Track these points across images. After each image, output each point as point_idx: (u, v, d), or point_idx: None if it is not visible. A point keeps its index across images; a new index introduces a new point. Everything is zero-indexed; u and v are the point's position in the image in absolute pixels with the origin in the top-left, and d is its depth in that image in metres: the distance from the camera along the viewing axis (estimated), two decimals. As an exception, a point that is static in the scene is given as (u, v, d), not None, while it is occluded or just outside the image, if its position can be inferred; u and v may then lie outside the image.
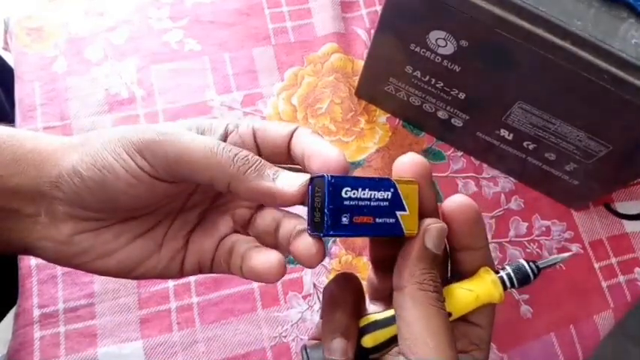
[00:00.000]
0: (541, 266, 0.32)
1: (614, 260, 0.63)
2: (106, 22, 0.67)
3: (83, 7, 0.67)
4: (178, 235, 0.34)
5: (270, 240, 0.33)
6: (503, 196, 0.64)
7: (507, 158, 0.61)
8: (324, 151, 0.30)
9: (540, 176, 0.61)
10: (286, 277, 0.57)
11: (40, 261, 0.55)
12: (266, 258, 0.31)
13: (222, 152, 0.28)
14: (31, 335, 0.53)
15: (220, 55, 0.67)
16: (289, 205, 0.29)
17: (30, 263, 0.55)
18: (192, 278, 0.56)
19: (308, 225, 0.29)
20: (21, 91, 0.62)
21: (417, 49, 0.52)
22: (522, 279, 0.32)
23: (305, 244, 0.29)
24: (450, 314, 0.31)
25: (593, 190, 0.60)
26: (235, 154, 0.28)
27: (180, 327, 0.55)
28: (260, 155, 0.31)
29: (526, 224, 0.63)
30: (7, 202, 0.30)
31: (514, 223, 0.63)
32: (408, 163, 0.31)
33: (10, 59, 0.68)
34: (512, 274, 0.32)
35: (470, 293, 0.31)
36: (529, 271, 0.32)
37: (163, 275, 0.33)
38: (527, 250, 0.61)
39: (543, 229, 0.63)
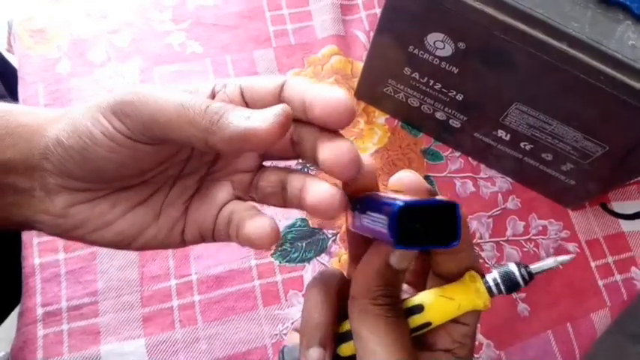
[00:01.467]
0: (534, 272, 0.30)
1: (610, 259, 0.64)
2: (109, 24, 0.67)
3: (86, 9, 0.68)
4: (176, 203, 0.32)
5: (278, 201, 0.32)
6: (500, 195, 0.65)
7: (504, 159, 0.62)
8: (324, 94, 0.27)
9: (537, 176, 0.62)
10: (287, 275, 0.58)
11: (43, 259, 0.56)
12: (259, 224, 0.29)
13: (194, 106, 0.26)
14: (34, 333, 0.54)
15: (222, 57, 0.67)
16: (271, 143, 0.26)
17: (34, 262, 0.56)
18: (194, 277, 0.57)
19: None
20: (25, 93, 0.63)
21: (416, 51, 0.53)
22: (512, 286, 0.29)
23: (321, 189, 0.28)
24: (429, 323, 0.29)
25: (590, 190, 0.60)
26: (207, 106, 0.26)
27: (182, 325, 0.55)
28: None
29: (523, 224, 0.64)
30: (3, 176, 0.30)
31: (511, 223, 0.63)
32: (405, 180, 0.28)
33: (13, 61, 0.69)
34: (499, 281, 0.29)
35: (452, 302, 0.29)
36: (519, 278, 0.29)
37: (165, 245, 0.32)
38: (525, 249, 0.62)
39: (540, 228, 0.64)
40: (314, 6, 0.72)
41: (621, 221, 0.66)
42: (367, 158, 0.28)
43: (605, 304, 0.62)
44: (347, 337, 0.30)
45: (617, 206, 0.66)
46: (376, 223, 0.25)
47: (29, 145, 0.29)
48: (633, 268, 0.64)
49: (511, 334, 0.59)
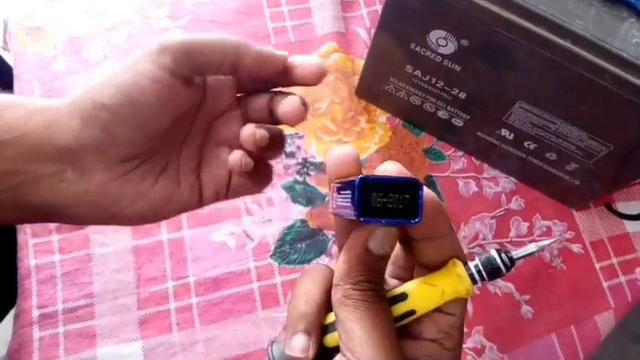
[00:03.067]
0: (515, 257, 0.29)
1: (615, 260, 0.63)
2: (106, 22, 0.66)
3: (82, 6, 0.67)
4: (189, 170, 0.36)
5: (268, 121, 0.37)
6: (504, 196, 0.64)
7: (508, 158, 0.61)
8: (299, 61, 0.34)
9: (541, 176, 0.61)
10: (286, 277, 0.57)
11: (39, 261, 0.55)
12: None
13: (230, 37, 0.32)
14: (30, 336, 0.53)
15: (220, 54, 0.66)
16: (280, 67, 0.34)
17: (29, 263, 0.55)
18: (191, 279, 0.56)
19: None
20: (20, 91, 0.62)
21: (418, 49, 0.52)
22: (493, 272, 0.29)
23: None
24: (413, 311, 0.29)
25: (594, 190, 0.60)
26: (242, 39, 0.32)
27: (179, 327, 0.55)
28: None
29: (527, 224, 0.63)
30: (21, 165, 0.30)
31: (515, 223, 0.63)
32: (388, 170, 0.29)
33: (9, 59, 0.68)
34: (481, 268, 0.29)
35: (434, 289, 0.29)
36: (500, 263, 0.29)
37: (185, 209, 0.36)
38: (528, 251, 0.61)
39: (544, 229, 0.63)
40: (314, 2, 0.71)
41: (626, 222, 0.65)
42: (347, 147, 0.30)
43: (609, 306, 0.61)
44: (332, 327, 0.30)
45: (622, 207, 0.66)
46: (346, 199, 0.26)
47: (54, 129, 0.30)
48: (638, 270, 0.63)
49: (515, 336, 0.58)
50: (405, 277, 0.34)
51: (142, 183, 0.33)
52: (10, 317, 0.60)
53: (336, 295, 0.28)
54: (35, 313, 0.54)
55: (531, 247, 0.30)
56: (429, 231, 0.29)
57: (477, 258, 0.30)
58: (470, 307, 0.58)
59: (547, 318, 0.59)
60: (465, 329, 0.57)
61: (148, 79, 0.30)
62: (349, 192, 0.25)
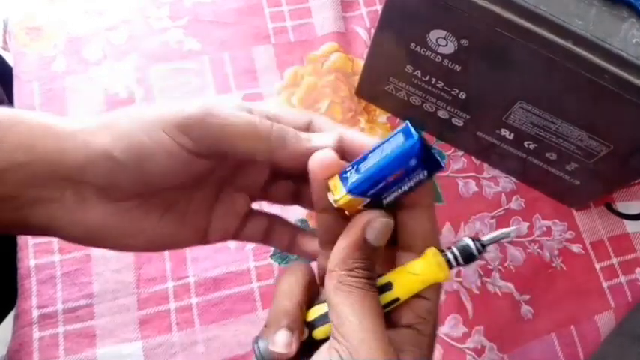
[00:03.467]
0: (485, 243, 0.32)
1: (615, 260, 0.63)
2: (106, 22, 0.66)
3: (82, 6, 0.67)
4: (200, 211, 0.35)
5: (289, 202, 0.37)
6: (503, 196, 0.64)
7: (508, 158, 0.61)
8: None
9: (541, 176, 0.61)
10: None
11: (39, 261, 0.55)
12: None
13: (261, 124, 0.30)
14: (30, 336, 0.53)
15: (220, 54, 0.66)
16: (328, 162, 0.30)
17: (29, 264, 0.55)
18: (191, 279, 0.56)
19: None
20: (20, 91, 0.62)
21: (418, 49, 0.52)
22: (467, 257, 0.31)
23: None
24: (397, 299, 0.31)
25: (594, 190, 0.60)
26: (271, 125, 0.30)
27: (179, 327, 0.55)
28: None
29: (527, 224, 0.63)
30: (23, 190, 0.29)
31: (515, 223, 0.63)
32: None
33: (9, 59, 0.68)
34: (457, 254, 0.31)
35: (416, 277, 0.31)
36: (473, 249, 0.32)
37: (186, 246, 0.35)
38: (528, 250, 0.61)
39: (544, 229, 0.63)
40: (314, 2, 0.71)
41: (626, 222, 0.65)
42: (327, 151, 0.30)
43: (609, 306, 0.61)
44: (320, 320, 0.32)
45: (622, 206, 0.66)
46: (386, 158, 0.28)
47: (60, 158, 0.29)
48: (638, 269, 0.63)
49: (515, 336, 0.58)
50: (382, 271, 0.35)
51: (144, 218, 0.32)
52: (10, 317, 0.60)
53: (332, 281, 0.29)
54: (35, 313, 0.54)
55: (497, 233, 0.32)
56: (416, 197, 0.31)
57: (453, 247, 0.32)
58: (470, 307, 0.58)
59: (547, 318, 0.59)
60: (465, 329, 0.58)
61: (164, 150, 0.29)
62: (395, 147, 0.28)
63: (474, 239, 0.32)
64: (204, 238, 0.36)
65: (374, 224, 0.29)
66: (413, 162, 0.28)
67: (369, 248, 0.29)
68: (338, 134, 0.31)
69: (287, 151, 0.30)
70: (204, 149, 0.30)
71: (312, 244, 0.36)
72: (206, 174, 0.33)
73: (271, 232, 0.38)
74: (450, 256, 0.31)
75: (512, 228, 0.34)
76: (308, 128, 0.33)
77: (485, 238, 0.32)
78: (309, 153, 0.30)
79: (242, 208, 0.36)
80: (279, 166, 0.32)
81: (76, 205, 0.30)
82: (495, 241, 0.33)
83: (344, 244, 0.30)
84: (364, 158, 0.29)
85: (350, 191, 0.29)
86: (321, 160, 0.30)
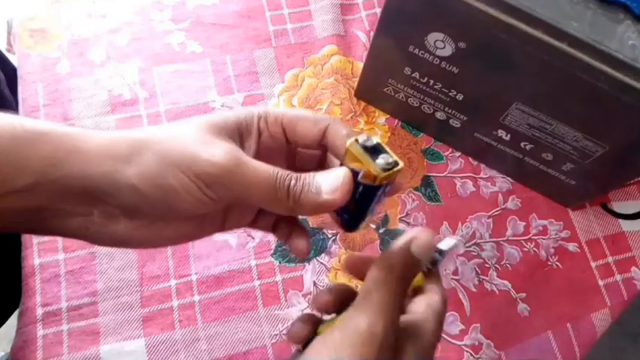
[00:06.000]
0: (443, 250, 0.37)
1: (610, 259, 0.64)
2: (109, 24, 0.67)
3: (86, 9, 0.68)
4: (218, 211, 0.36)
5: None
6: (500, 195, 0.65)
7: (505, 158, 0.62)
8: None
9: (537, 176, 0.62)
10: (287, 275, 0.58)
11: (43, 260, 0.56)
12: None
13: (280, 187, 0.31)
14: (34, 333, 0.54)
15: (222, 56, 0.67)
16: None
17: (33, 262, 0.56)
18: (193, 277, 0.57)
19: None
20: (24, 92, 0.63)
21: (416, 51, 0.53)
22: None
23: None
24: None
25: (590, 189, 0.61)
26: (288, 185, 0.31)
27: (182, 325, 0.55)
28: (291, 145, 0.36)
29: (523, 223, 0.64)
30: (54, 203, 0.30)
31: (511, 223, 0.63)
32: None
33: (14, 60, 0.69)
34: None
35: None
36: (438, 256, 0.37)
37: (204, 237, 0.37)
38: (525, 249, 0.62)
39: (540, 228, 0.64)
40: (314, 6, 0.72)
41: (621, 221, 0.66)
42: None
43: (605, 304, 0.62)
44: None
45: (618, 206, 0.66)
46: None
47: (86, 177, 0.30)
48: (633, 268, 0.64)
49: (511, 334, 0.59)
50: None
51: (166, 228, 0.33)
52: (14, 315, 0.61)
53: (373, 275, 0.32)
54: (39, 311, 0.54)
55: (446, 245, 0.37)
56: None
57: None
58: (467, 304, 0.59)
59: (543, 316, 0.60)
60: (463, 327, 0.58)
61: (189, 195, 0.30)
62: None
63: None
64: (221, 229, 0.37)
65: (419, 239, 0.33)
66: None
67: (411, 261, 0.32)
68: (341, 179, 0.32)
69: (303, 210, 0.32)
70: (227, 201, 0.32)
71: (300, 245, 0.37)
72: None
73: (277, 226, 0.39)
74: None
75: (454, 240, 0.37)
76: (323, 136, 0.35)
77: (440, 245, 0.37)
78: (319, 207, 0.32)
79: (256, 207, 0.38)
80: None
81: (102, 220, 0.31)
82: (447, 251, 0.37)
83: (390, 254, 0.33)
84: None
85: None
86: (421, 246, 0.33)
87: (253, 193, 0.31)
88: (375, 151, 0.31)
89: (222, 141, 0.32)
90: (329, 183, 0.32)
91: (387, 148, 0.32)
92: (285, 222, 0.39)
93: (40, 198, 0.29)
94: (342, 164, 0.33)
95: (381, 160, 0.31)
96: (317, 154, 0.38)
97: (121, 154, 0.30)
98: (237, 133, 0.33)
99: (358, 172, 0.31)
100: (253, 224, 0.39)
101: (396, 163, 0.31)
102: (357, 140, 0.32)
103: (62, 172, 0.29)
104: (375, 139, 0.32)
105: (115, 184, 0.30)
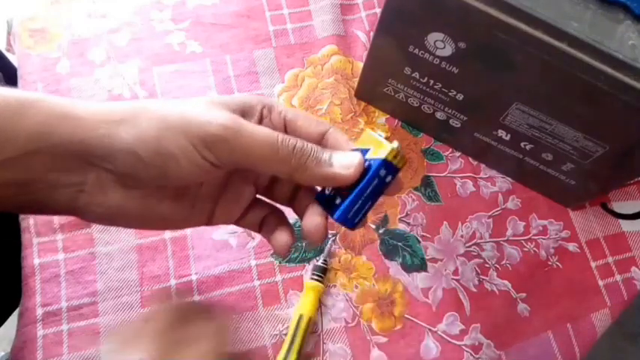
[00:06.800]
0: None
1: (610, 259, 0.64)
2: (109, 24, 0.67)
3: (86, 9, 0.68)
4: (207, 198, 0.36)
5: (286, 204, 0.39)
6: (500, 195, 0.65)
7: (505, 158, 0.62)
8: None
9: (537, 176, 0.62)
10: (287, 275, 0.58)
11: (43, 260, 0.56)
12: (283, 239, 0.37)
13: (282, 146, 0.31)
14: (34, 333, 0.54)
15: (222, 57, 0.67)
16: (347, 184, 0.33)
17: (33, 262, 0.56)
18: (193, 277, 0.57)
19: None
20: (24, 92, 0.63)
21: (416, 51, 0.53)
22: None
23: (313, 221, 0.35)
24: None
25: (590, 189, 0.60)
26: (293, 146, 0.31)
27: (182, 325, 0.55)
28: None
29: (523, 223, 0.64)
30: (43, 175, 0.29)
31: (511, 223, 0.63)
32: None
33: (14, 60, 0.69)
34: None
35: None
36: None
37: (192, 226, 0.37)
38: (525, 249, 0.62)
39: (540, 228, 0.64)
40: (314, 6, 0.72)
41: (621, 221, 0.66)
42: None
43: (605, 304, 0.62)
44: None
45: (618, 206, 0.66)
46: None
47: (80, 143, 0.29)
48: (633, 268, 0.64)
49: (512, 334, 0.59)
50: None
51: (158, 204, 0.33)
52: (14, 315, 0.61)
53: None
54: (39, 311, 0.54)
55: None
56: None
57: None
58: (467, 304, 0.59)
59: (543, 316, 0.60)
60: (463, 327, 0.58)
61: (188, 159, 0.30)
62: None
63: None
64: (209, 221, 0.37)
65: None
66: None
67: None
68: (357, 159, 0.32)
69: (307, 174, 0.32)
70: (227, 165, 0.31)
71: (281, 239, 0.37)
72: (222, 176, 0.36)
73: (264, 223, 0.39)
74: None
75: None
76: (322, 139, 0.35)
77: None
78: (330, 177, 0.32)
79: (247, 198, 0.38)
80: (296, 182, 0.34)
81: (96, 189, 0.31)
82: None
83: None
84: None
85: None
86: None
87: (255, 151, 0.30)
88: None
89: (224, 110, 0.32)
90: (345, 159, 0.32)
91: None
92: (272, 217, 0.38)
93: (30, 169, 0.29)
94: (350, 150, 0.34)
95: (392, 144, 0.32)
96: None
97: (117, 118, 0.30)
98: (239, 112, 0.33)
99: (366, 151, 0.32)
100: (241, 221, 0.38)
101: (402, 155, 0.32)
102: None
103: (54, 138, 0.29)
104: (383, 134, 0.33)
105: (111, 147, 0.29)
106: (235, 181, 0.37)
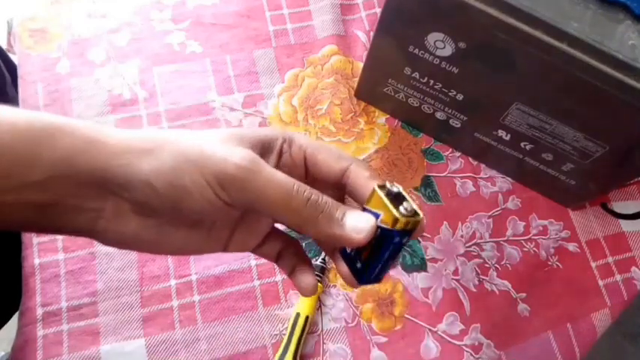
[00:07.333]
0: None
1: (610, 259, 0.64)
2: (109, 24, 0.67)
3: (86, 9, 0.68)
4: (223, 227, 0.35)
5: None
6: (500, 195, 0.65)
7: (505, 158, 0.62)
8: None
9: (537, 176, 0.62)
10: (286, 275, 0.58)
11: (43, 260, 0.56)
12: (307, 281, 0.37)
13: (297, 196, 0.30)
14: (34, 333, 0.54)
15: (222, 56, 0.67)
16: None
17: (33, 262, 0.56)
18: (193, 277, 0.57)
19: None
20: (24, 92, 0.63)
21: (416, 51, 0.53)
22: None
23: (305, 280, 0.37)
24: None
25: (590, 189, 0.60)
26: (308, 199, 0.30)
27: (182, 325, 0.55)
28: (309, 178, 0.35)
29: (523, 223, 0.64)
30: (65, 199, 0.30)
31: (511, 223, 0.63)
32: None
33: (15, 59, 0.69)
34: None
35: None
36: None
37: (207, 253, 0.36)
38: (525, 249, 0.62)
39: (540, 228, 0.64)
40: (314, 6, 0.72)
41: (621, 221, 0.66)
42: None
43: (605, 304, 0.62)
44: None
45: (618, 206, 0.66)
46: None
47: (103, 170, 0.29)
48: (634, 268, 0.64)
49: (512, 334, 0.59)
50: None
51: (174, 233, 0.33)
52: (14, 316, 0.61)
53: None
54: (39, 311, 0.54)
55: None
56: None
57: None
58: (467, 304, 0.59)
59: (544, 316, 0.60)
60: (463, 326, 0.58)
61: (202, 196, 0.30)
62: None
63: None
64: (225, 249, 0.37)
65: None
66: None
67: None
68: (371, 224, 0.31)
69: (316, 229, 0.31)
70: (239, 206, 0.31)
71: (305, 282, 0.37)
72: (236, 215, 0.35)
73: (281, 256, 0.38)
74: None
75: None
76: (344, 175, 0.34)
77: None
78: (339, 238, 0.31)
79: (264, 229, 0.37)
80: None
81: (114, 216, 0.31)
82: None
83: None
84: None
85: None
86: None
87: (269, 196, 0.30)
88: (397, 198, 0.31)
89: (242, 147, 0.31)
90: (358, 222, 0.31)
91: (409, 197, 0.31)
92: (290, 252, 0.38)
93: (54, 192, 0.29)
94: (362, 207, 0.33)
95: (402, 207, 0.30)
96: (334, 196, 0.36)
97: (138, 149, 0.30)
98: (259, 147, 0.33)
99: (378, 215, 0.31)
100: (257, 250, 0.38)
101: (415, 213, 0.30)
102: (381, 186, 0.32)
103: (78, 164, 0.29)
104: (398, 188, 0.32)
105: (130, 177, 0.30)
106: (251, 213, 0.36)
